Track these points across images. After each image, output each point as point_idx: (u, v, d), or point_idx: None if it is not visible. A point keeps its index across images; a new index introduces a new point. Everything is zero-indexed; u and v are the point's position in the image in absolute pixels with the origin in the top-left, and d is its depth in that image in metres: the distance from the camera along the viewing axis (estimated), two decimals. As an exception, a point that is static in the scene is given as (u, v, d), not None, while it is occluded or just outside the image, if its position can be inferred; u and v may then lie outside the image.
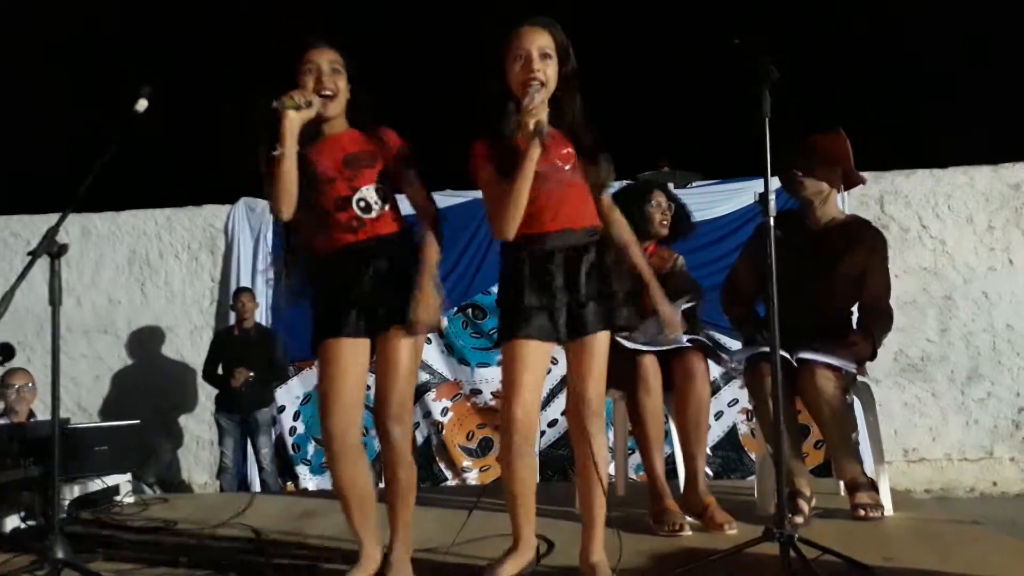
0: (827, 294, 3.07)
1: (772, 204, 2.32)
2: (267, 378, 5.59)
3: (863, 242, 3.12)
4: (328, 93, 2.32)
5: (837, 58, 7.65)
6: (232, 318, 5.93)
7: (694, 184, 6.01)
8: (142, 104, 2.48)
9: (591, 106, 2.32)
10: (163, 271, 6.26)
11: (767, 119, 2.26)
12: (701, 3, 7.50)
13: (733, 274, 3.28)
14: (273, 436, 5.72)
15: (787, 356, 2.89)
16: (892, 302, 3.17)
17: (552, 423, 5.68)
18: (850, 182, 3.19)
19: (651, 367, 2.96)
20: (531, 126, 2.11)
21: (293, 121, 2.22)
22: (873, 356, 3.07)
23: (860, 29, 7.95)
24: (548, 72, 2.20)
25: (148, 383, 6.15)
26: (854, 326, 3.18)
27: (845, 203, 5.69)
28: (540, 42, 2.20)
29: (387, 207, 2.36)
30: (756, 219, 3.44)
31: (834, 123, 3.13)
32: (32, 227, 6.16)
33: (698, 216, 5.72)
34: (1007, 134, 6.60)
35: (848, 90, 7.85)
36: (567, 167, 2.24)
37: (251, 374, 5.41)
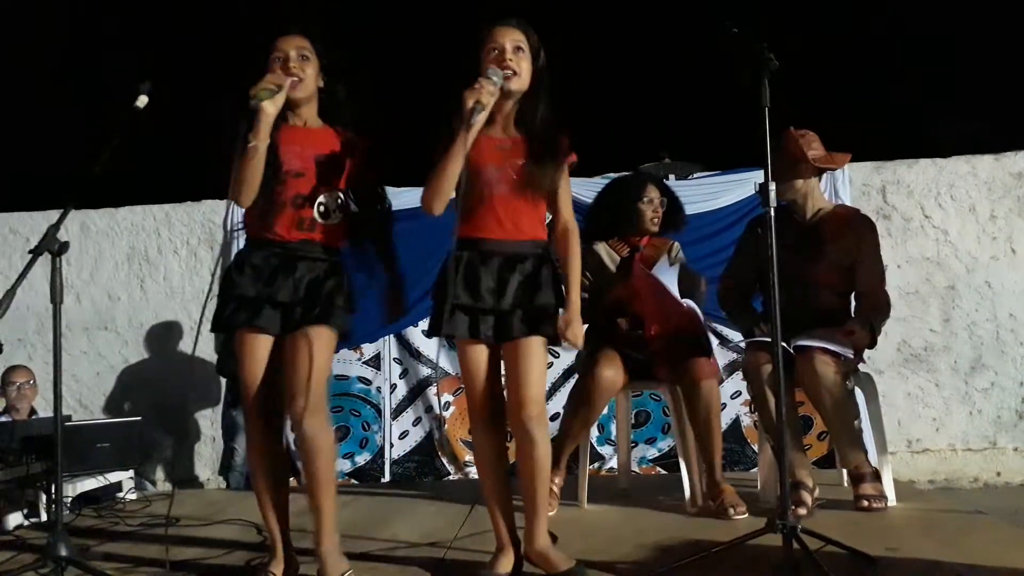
0: (820, 285, 3.07)
1: (772, 195, 2.30)
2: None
3: (852, 231, 3.13)
4: (295, 78, 2.31)
5: (838, 48, 7.62)
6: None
7: (695, 175, 5.99)
8: (142, 100, 2.48)
9: (589, 103, 2.31)
10: (162, 267, 6.25)
11: (767, 109, 2.25)
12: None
13: (728, 272, 3.28)
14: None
15: (784, 346, 2.89)
16: (894, 292, 3.18)
17: (553, 417, 5.67)
18: (822, 169, 3.20)
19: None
20: (469, 102, 2.14)
21: (268, 114, 2.23)
22: (872, 344, 3.07)
23: (861, 19, 7.92)
24: (521, 65, 2.24)
25: (149, 379, 6.15)
26: (852, 315, 3.17)
27: (847, 193, 5.70)
28: (514, 36, 2.25)
29: (342, 218, 2.38)
30: (758, 210, 3.42)
31: (827, 117, 3.15)
32: (31, 224, 6.14)
33: (699, 207, 5.78)
34: (1009, 123, 6.57)
35: (849, 80, 7.82)
36: (516, 177, 2.25)
37: None
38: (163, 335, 6.24)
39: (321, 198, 2.33)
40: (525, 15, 2.32)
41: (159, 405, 6.04)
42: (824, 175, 3.36)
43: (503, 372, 2.33)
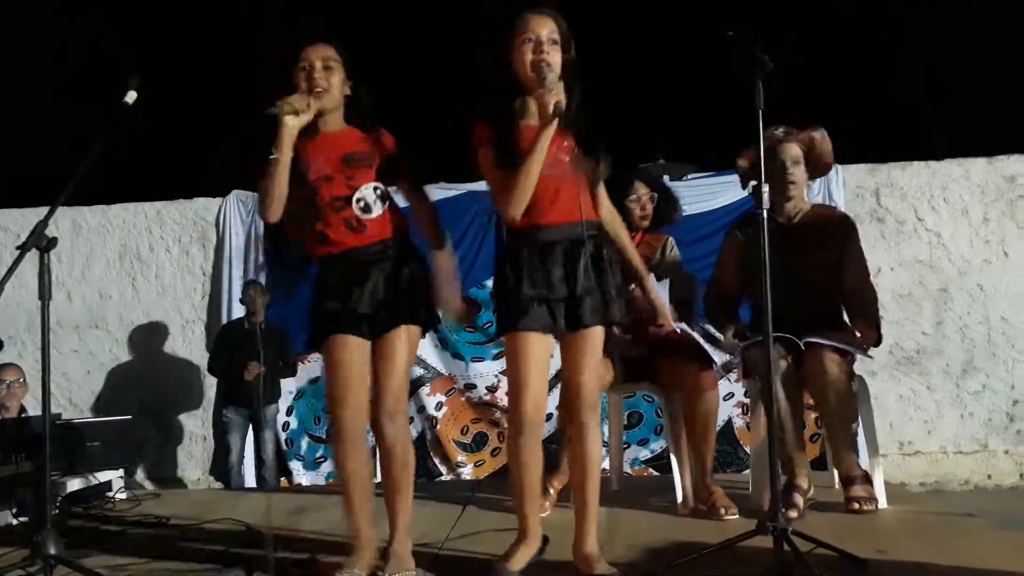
0: (809, 285, 3.07)
1: (765, 196, 2.30)
2: (277, 373, 5.51)
3: (837, 230, 3.15)
4: (319, 89, 2.32)
5: (832, 51, 7.64)
6: (224, 312, 5.88)
7: (690, 176, 6.00)
8: (131, 96, 2.46)
9: (587, 98, 2.31)
10: (154, 265, 6.22)
11: (760, 111, 2.25)
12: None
13: (713, 282, 3.28)
14: (274, 431, 5.67)
15: (795, 339, 2.92)
16: (887, 295, 3.20)
17: (547, 417, 5.66)
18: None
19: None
20: (550, 105, 2.12)
21: (291, 127, 2.24)
22: (879, 341, 3.08)
23: (855, 22, 7.94)
24: (555, 58, 2.22)
25: (139, 378, 6.12)
26: (841, 314, 3.18)
27: (841, 195, 5.71)
28: (549, 27, 2.22)
29: (386, 207, 2.36)
30: (747, 213, 3.42)
31: (820, 119, 3.17)
32: (22, 221, 6.11)
33: (694, 208, 5.79)
34: (1002, 126, 6.59)
35: (843, 82, 7.84)
36: (567, 158, 2.24)
37: (263, 368, 5.33)
38: (154, 334, 6.21)
39: (358, 193, 2.32)
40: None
41: (149, 404, 6.02)
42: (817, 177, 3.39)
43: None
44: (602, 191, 2.36)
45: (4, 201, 6.31)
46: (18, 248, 2.29)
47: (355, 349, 2.33)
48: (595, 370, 2.26)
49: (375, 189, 2.34)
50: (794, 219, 3.13)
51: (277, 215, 2.28)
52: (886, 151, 6.06)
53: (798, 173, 3.09)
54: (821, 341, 2.92)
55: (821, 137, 3.13)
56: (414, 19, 7.83)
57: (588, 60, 2.32)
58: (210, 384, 5.86)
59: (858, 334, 3.02)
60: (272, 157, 2.22)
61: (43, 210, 2.39)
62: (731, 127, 2.49)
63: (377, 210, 2.34)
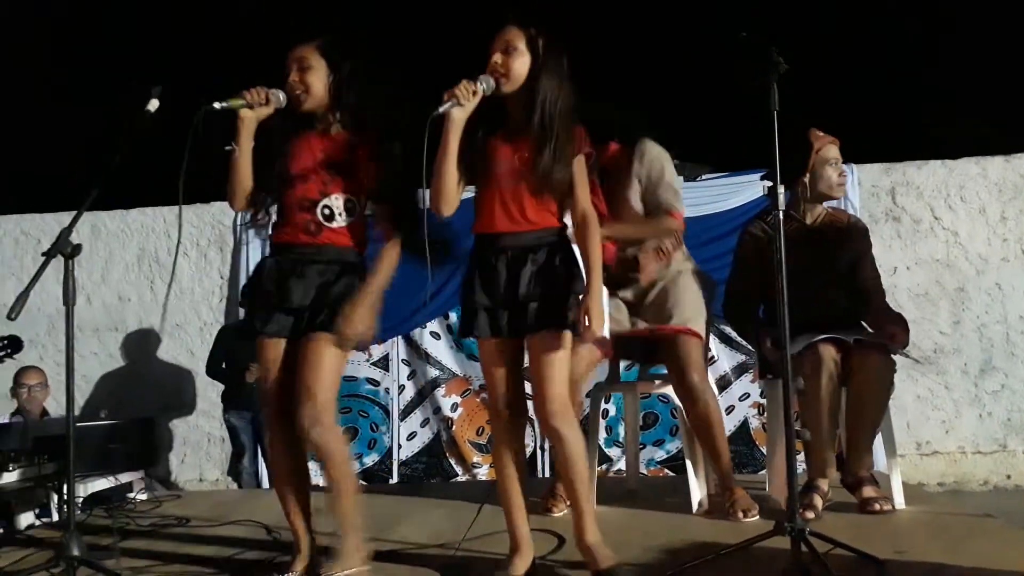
0: (830, 286, 3.09)
1: (781, 198, 2.30)
2: None
3: (856, 233, 3.20)
4: (297, 92, 2.36)
5: (847, 49, 7.59)
6: (241, 314, 5.92)
7: (704, 176, 5.99)
8: (153, 104, 2.50)
9: (595, 100, 2.31)
10: (172, 268, 6.28)
11: (775, 112, 2.25)
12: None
13: (731, 286, 3.27)
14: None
15: (845, 339, 2.93)
16: (904, 294, 3.21)
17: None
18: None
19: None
20: (444, 98, 2.17)
21: (245, 120, 2.32)
22: (908, 342, 3.08)
23: (870, 20, 7.89)
24: (512, 65, 2.25)
25: (159, 380, 6.18)
26: (858, 315, 3.19)
27: (856, 195, 5.68)
28: (505, 38, 2.27)
29: (352, 220, 2.38)
30: (760, 212, 3.41)
31: (836, 119, 3.18)
32: (43, 226, 6.19)
33: (710, 208, 5.79)
34: (1019, 124, 6.54)
35: (858, 82, 7.79)
36: (520, 167, 2.26)
37: None
38: (172, 337, 6.27)
39: (325, 200, 2.35)
40: (533, 11, 2.32)
41: (168, 405, 6.08)
42: None
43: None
44: (579, 194, 2.31)
45: (25, 206, 6.38)
46: (43, 255, 2.32)
47: (272, 350, 2.37)
48: (557, 376, 2.24)
49: (346, 201, 2.37)
50: (816, 221, 3.16)
51: (241, 205, 2.39)
52: (902, 150, 6.03)
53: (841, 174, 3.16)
54: (870, 340, 2.95)
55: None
56: (414, 18, 7.85)
57: (602, 59, 2.31)
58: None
59: (895, 335, 3.00)
60: (227, 149, 2.30)
61: (63, 215, 2.44)
62: (746, 127, 2.49)
63: (340, 221, 2.36)
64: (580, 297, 2.23)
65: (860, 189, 5.74)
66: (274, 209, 2.44)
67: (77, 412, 5.52)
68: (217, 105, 2.27)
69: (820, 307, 2.98)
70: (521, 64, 2.25)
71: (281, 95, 2.35)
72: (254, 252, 6.08)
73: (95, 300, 6.25)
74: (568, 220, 2.37)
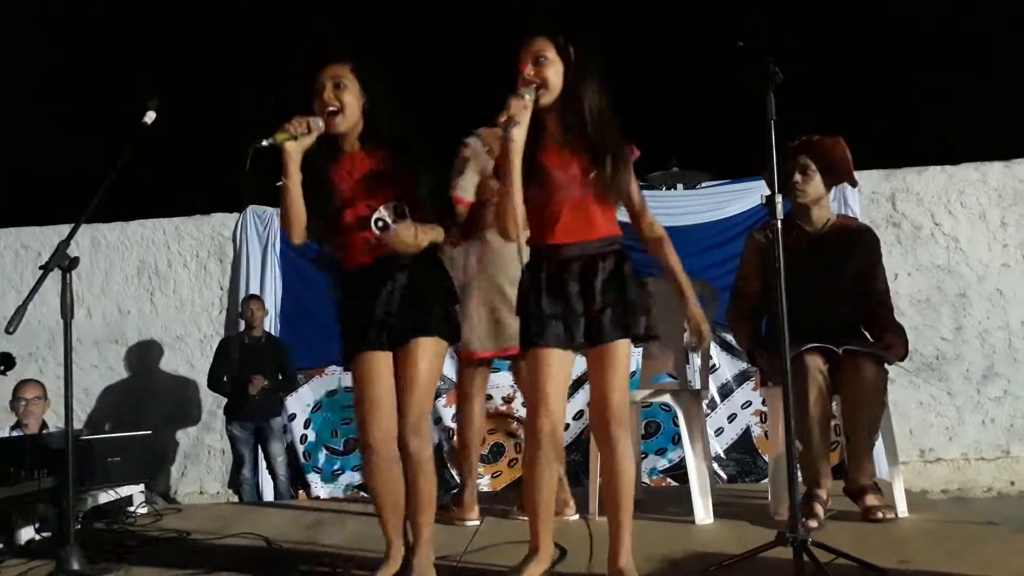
0: (837, 294, 3.07)
1: (779, 207, 2.30)
2: (278, 387, 5.56)
3: (863, 243, 3.17)
4: (332, 109, 2.35)
5: (846, 56, 7.61)
6: (242, 327, 5.93)
7: (703, 184, 6.00)
8: (150, 116, 2.50)
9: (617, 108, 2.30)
10: (172, 280, 6.28)
11: (772, 121, 2.25)
12: (710, 2, 7.48)
13: (736, 290, 3.26)
14: (285, 443, 5.72)
15: (833, 348, 2.91)
16: (905, 300, 3.18)
17: (564, 427, 5.65)
18: (840, 182, 3.27)
19: None
20: (500, 120, 2.15)
21: (291, 153, 2.29)
22: (906, 355, 3.07)
23: (869, 26, 7.91)
24: (545, 74, 2.22)
25: (158, 393, 6.17)
26: (863, 324, 3.17)
27: (857, 201, 5.68)
28: (535, 48, 2.24)
29: (406, 222, 2.37)
30: (766, 219, 3.41)
31: (835, 126, 3.16)
32: (43, 239, 6.19)
33: (708, 216, 5.79)
34: (1019, 130, 6.54)
35: (858, 88, 7.81)
36: (581, 176, 2.24)
37: (267, 382, 5.37)
38: (172, 348, 6.26)
39: (376, 214, 2.36)
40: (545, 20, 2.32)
41: (168, 418, 6.07)
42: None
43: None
44: (636, 198, 2.33)
45: (24, 219, 6.39)
46: (41, 268, 2.32)
47: (376, 364, 2.35)
48: (621, 386, 2.23)
49: (395, 207, 2.37)
50: (822, 228, 3.14)
51: (300, 237, 2.36)
52: (901, 156, 6.03)
53: (804, 181, 3.09)
54: (860, 348, 2.94)
55: (833, 143, 3.13)
56: (444, 26, 7.86)
57: (602, 67, 2.31)
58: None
59: (892, 346, 3.01)
60: (278, 184, 2.28)
61: (62, 228, 2.44)
62: (745, 135, 2.48)
63: (395, 228, 2.36)
64: (648, 307, 2.24)
65: (860, 195, 5.74)
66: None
67: (79, 425, 5.54)
68: (264, 143, 2.25)
69: (822, 316, 2.97)
70: (555, 73, 2.23)
71: (321, 122, 2.33)
72: (254, 264, 6.09)
73: (95, 312, 6.24)
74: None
